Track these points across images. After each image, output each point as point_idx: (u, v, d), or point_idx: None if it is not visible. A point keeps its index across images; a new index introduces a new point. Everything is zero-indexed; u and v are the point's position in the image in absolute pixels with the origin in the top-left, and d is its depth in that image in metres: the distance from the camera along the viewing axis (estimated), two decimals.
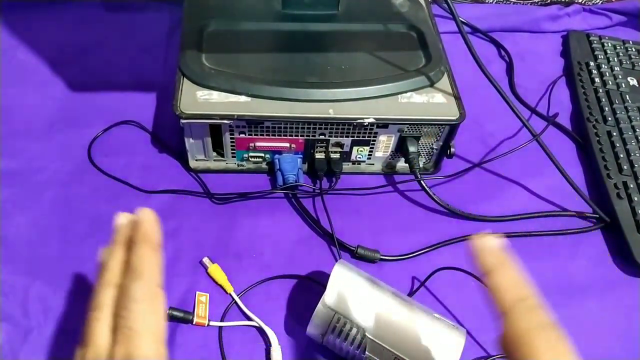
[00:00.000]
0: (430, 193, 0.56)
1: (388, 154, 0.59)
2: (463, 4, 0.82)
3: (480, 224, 0.58)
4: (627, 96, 0.69)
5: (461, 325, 0.50)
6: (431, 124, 0.55)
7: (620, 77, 0.72)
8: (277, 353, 0.47)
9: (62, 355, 0.46)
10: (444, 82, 0.58)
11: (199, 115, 0.52)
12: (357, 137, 0.56)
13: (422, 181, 0.56)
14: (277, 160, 0.58)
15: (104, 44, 0.71)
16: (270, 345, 0.47)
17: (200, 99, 0.53)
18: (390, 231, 0.56)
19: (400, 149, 0.58)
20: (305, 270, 0.53)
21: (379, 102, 0.55)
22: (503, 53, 0.77)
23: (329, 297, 0.44)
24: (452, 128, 0.56)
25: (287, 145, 0.57)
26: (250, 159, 0.58)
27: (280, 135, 0.55)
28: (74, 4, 0.76)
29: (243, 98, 0.54)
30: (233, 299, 0.50)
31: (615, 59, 0.75)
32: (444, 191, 0.60)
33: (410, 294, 0.52)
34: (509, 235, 0.57)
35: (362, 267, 0.49)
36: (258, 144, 0.56)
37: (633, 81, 0.72)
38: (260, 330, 0.48)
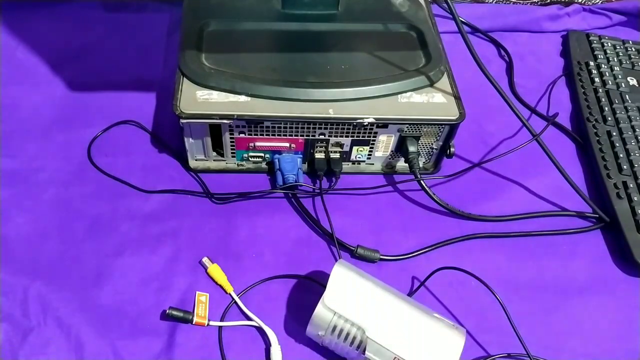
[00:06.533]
0: (430, 193, 0.56)
1: (388, 153, 0.59)
2: (463, 4, 0.82)
3: (480, 224, 0.58)
4: (627, 96, 0.69)
5: (461, 325, 0.50)
6: (431, 124, 0.55)
7: (620, 77, 0.72)
8: (277, 353, 0.47)
9: (62, 356, 0.46)
10: (444, 82, 0.58)
11: (198, 115, 0.52)
12: (357, 137, 0.56)
13: (422, 181, 0.56)
14: (277, 160, 0.58)
15: (104, 44, 0.71)
16: (270, 345, 0.47)
17: (200, 99, 0.53)
18: (390, 231, 0.56)
19: (400, 149, 0.58)
20: (305, 270, 0.53)
21: (378, 102, 0.55)
22: (503, 53, 0.77)
23: (329, 297, 0.44)
24: (452, 128, 0.56)
25: (287, 145, 0.57)
26: (250, 158, 0.58)
27: (280, 135, 0.56)
28: (74, 4, 0.76)
29: (243, 98, 0.54)
30: (233, 299, 0.50)
31: (615, 58, 0.75)
32: (443, 191, 0.60)
33: (410, 294, 0.52)
34: (509, 235, 0.57)
35: (362, 267, 0.49)
36: (258, 143, 0.56)
37: (633, 81, 0.72)
38: (260, 330, 0.48)
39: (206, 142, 0.56)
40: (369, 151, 0.58)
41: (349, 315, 0.43)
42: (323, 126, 0.55)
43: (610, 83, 0.71)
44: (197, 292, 0.50)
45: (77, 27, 0.73)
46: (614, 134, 0.64)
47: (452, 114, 0.55)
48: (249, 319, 0.49)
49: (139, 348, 0.47)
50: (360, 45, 0.60)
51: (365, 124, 0.54)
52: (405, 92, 0.56)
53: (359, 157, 0.59)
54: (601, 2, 0.84)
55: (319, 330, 0.44)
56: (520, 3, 0.84)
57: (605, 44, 0.77)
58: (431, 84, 0.57)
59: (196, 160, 0.59)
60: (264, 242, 0.54)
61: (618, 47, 0.77)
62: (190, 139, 0.56)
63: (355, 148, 0.58)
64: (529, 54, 0.78)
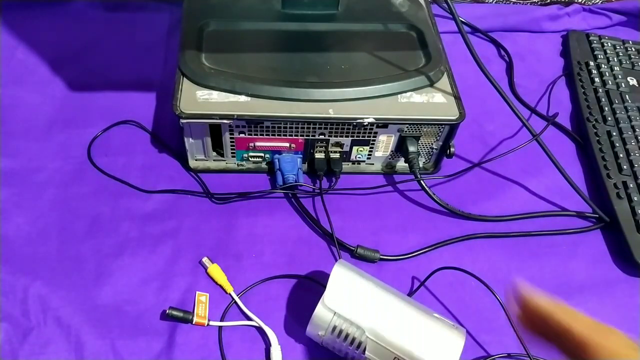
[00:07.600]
0: (430, 193, 0.56)
1: (388, 153, 0.59)
2: (463, 4, 0.82)
3: (480, 224, 0.58)
4: (627, 96, 0.69)
5: (461, 325, 0.50)
6: (431, 124, 0.55)
7: (620, 77, 0.72)
8: (277, 353, 0.47)
9: (62, 356, 0.46)
10: (444, 82, 0.58)
11: (198, 115, 0.52)
12: (357, 137, 0.56)
13: (421, 181, 0.56)
14: (276, 160, 0.58)
15: (104, 44, 0.71)
16: (270, 345, 0.47)
17: (200, 99, 0.53)
18: (390, 231, 0.56)
19: (400, 149, 0.58)
20: (305, 270, 0.53)
21: (378, 102, 0.55)
22: (503, 53, 0.77)
23: (329, 297, 0.44)
24: (452, 128, 0.56)
25: (287, 145, 0.57)
26: (250, 158, 0.58)
27: (280, 135, 0.55)
28: (74, 4, 0.75)
29: (243, 98, 0.54)
30: (233, 299, 0.50)
31: (615, 58, 0.75)
32: (443, 191, 0.60)
33: (410, 294, 0.52)
34: (509, 235, 0.57)
35: (362, 267, 0.49)
36: (258, 143, 0.56)
37: (633, 81, 0.72)
38: (260, 330, 0.48)
39: (206, 142, 0.56)
40: (369, 151, 0.58)
41: (349, 315, 0.43)
42: (323, 126, 0.55)
43: (610, 83, 0.71)
44: (197, 292, 0.50)
45: (77, 27, 0.73)
46: (614, 134, 0.64)
47: (452, 114, 0.55)
48: (249, 319, 0.49)
49: (139, 348, 0.47)
50: (360, 45, 0.60)
51: (365, 124, 0.54)
52: (405, 92, 0.56)
53: (359, 157, 0.59)
54: (601, 2, 0.84)
55: (319, 330, 0.44)
56: (520, 3, 0.84)
57: (605, 44, 0.77)
58: (431, 84, 0.57)
59: (196, 160, 0.59)
60: (264, 242, 0.54)
61: (618, 47, 0.77)
62: (190, 139, 0.56)
63: (355, 148, 0.58)
64: (529, 54, 0.78)
